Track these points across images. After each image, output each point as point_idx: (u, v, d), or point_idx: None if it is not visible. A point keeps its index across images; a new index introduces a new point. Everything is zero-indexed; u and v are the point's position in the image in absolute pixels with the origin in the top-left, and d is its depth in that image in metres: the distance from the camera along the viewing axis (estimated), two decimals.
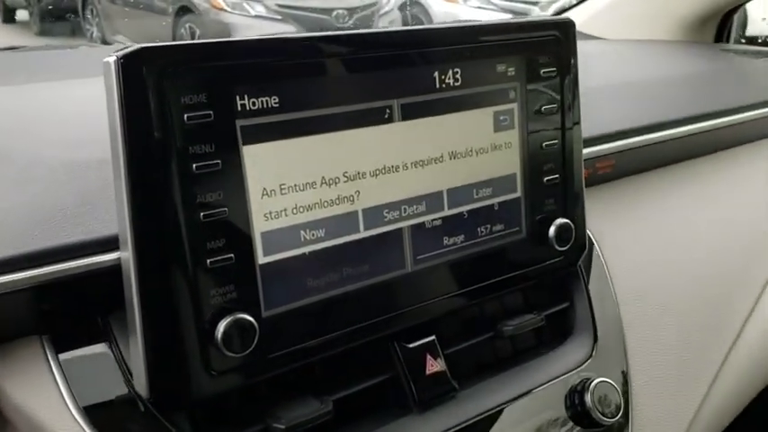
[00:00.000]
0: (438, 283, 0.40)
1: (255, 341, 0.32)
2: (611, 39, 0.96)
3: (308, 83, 0.35)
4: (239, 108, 0.32)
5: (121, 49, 0.29)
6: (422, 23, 4.19)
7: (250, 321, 0.32)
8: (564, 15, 0.93)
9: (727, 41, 1.00)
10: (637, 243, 0.53)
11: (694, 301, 0.54)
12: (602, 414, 0.41)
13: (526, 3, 4.62)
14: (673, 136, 0.60)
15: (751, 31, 1.17)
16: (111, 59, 0.29)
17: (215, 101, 0.31)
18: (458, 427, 0.39)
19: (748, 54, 0.95)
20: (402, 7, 4.43)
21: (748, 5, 1.01)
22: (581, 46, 0.45)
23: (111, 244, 0.33)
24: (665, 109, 0.63)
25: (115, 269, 0.32)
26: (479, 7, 4.48)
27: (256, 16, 3.82)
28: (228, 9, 3.78)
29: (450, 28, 0.41)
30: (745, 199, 0.65)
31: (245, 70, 0.33)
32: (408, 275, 0.38)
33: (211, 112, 0.31)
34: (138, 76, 0.29)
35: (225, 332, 0.32)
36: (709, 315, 0.54)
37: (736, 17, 1.03)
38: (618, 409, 0.42)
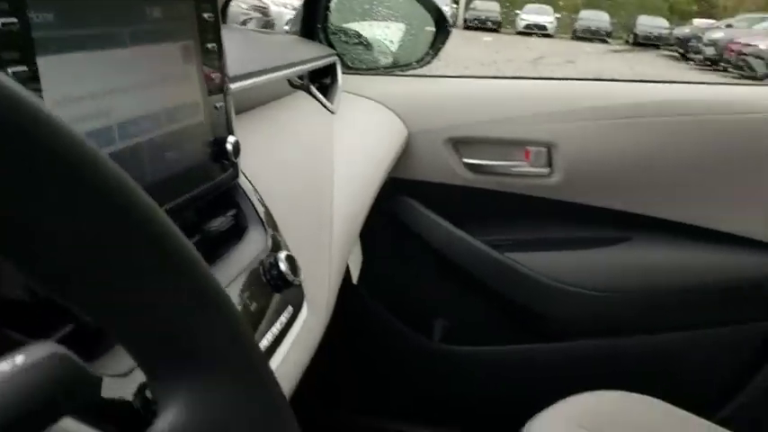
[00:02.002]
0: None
1: None
2: None
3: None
4: (34, 18, 0.34)
5: None
6: None
7: None
8: None
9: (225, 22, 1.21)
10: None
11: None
12: (294, 275, 0.55)
13: None
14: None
15: None
16: None
17: (16, 9, 0.32)
18: None
19: (253, 32, 1.18)
20: None
21: None
22: None
23: None
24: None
25: None
26: None
27: None
28: None
29: None
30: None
31: None
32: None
33: (16, 20, 0.32)
34: None
35: None
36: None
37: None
38: (298, 269, 0.56)
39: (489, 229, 1.20)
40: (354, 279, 1.05)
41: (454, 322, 1.26)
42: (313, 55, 1.04)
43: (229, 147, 0.54)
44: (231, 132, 0.56)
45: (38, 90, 0.34)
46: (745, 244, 1.15)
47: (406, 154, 1.16)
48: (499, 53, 12.30)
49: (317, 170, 0.82)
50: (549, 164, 1.15)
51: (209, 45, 0.53)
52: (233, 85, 0.60)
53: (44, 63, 0.35)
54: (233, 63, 0.73)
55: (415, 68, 1.25)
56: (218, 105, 0.54)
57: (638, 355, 1.18)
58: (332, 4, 1.23)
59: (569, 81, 1.20)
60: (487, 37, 17.64)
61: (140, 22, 0.44)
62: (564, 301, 1.17)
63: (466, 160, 1.17)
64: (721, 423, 1.02)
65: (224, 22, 1.13)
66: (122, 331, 0.23)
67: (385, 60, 1.31)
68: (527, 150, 1.15)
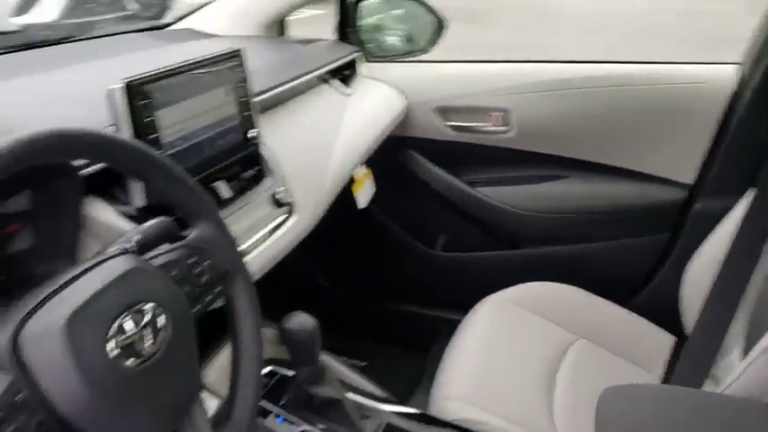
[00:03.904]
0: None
1: None
2: (225, 35, 1.59)
3: None
4: (158, 98, 0.88)
5: None
6: None
7: None
8: (187, 26, 1.54)
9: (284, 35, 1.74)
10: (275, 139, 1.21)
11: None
12: (290, 198, 1.08)
13: None
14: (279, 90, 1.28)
15: None
16: None
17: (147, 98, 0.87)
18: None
19: (297, 42, 1.70)
20: None
21: None
22: (205, 42, 1.09)
23: None
24: (272, 77, 1.31)
25: None
26: None
27: None
28: None
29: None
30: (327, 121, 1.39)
31: None
32: None
33: (150, 100, 0.87)
34: None
35: None
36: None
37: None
38: (293, 196, 1.10)
39: (467, 171, 1.68)
40: (360, 205, 1.58)
41: (448, 237, 1.77)
42: (336, 56, 1.55)
43: (250, 135, 1.07)
44: (253, 127, 1.08)
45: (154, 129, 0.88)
46: (653, 180, 1.55)
47: (407, 119, 1.66)
48: None
49: (323, 136, 1.34)
50: (507, 123, 1.61)
51: (240, 84, 1.06)
52: (258, 98, 1.13)
53: (160, 115, 0.88)
54: (274, 71, 1.25)
55: (418, 55, 1.72)
56: (245, 114, 1.07)
57: (572, 258, 1.63)
58: (360, 10, 1.72)
59: (521, 63, 1.63)
60: None
61: (205, 85, 0.98)
62: (520, 221, 1.64)
63: (449, 123, 1.65)
64: (631, 308, 1.46)
65: (281, 33, 1.66)
66: (176, 202, 0.76)
67: (400, 48, 1.78)
68: (490, 114, 1.61)
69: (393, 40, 1.75)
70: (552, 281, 1.47)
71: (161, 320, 0.62)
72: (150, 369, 0.59)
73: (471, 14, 5.95)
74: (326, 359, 1.15)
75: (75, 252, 0.78)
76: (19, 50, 1.26)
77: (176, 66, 0.89)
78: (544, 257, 1.65)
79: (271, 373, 1.11)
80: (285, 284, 1.26)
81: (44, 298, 0.57)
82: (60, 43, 1.40)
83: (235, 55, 1.02)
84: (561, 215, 1.61)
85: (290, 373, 1.09)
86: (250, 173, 1.06)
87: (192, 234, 0.74)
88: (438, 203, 1.72)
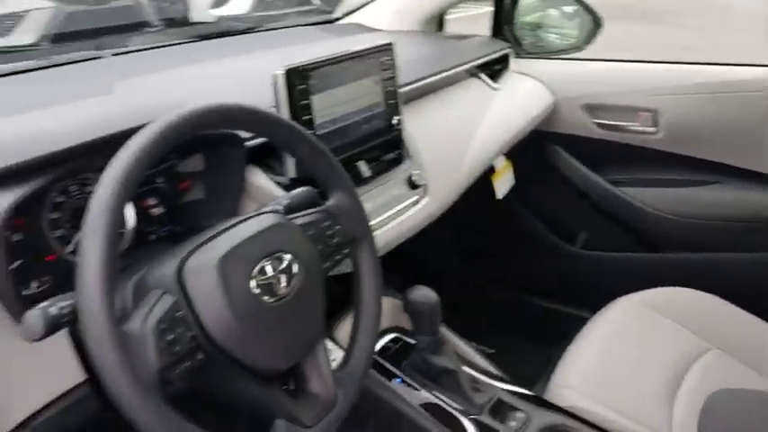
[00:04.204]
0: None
1: None
2: (387, 30, 1.70)
3: None
4: (315, 83, 1.02)
5: None
6: None
7: None
8: (355, 21, 1.69)
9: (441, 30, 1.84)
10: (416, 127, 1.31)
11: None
12: (423, 181, 1.18)
13: None
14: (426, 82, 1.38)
15: None
16: None
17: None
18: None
19: (453, 37, 1.79)
20: None
21: None
22: (367, 36, 1.20)
23: None
24: (422, 69, 1.41)
25: None
26: None
27: None
28: None
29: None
30: (460, 111, 1.48)
31: None
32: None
33: (306, 85, 1.01)
34: None
35: None
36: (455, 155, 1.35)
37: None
38: (427, 179, 1.19)
39: (610, 169, 1.68)
40: (498, 195, 1.64)
41: (588, 235, 1.78)
42: (486, 51, 1.62)
43: (394, 121, 1.18)
44: (397, 114, 1.19)
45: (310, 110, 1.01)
46: None
47: (553, 114, 1.69)
48: None
49: (464, 126, 1.42)
50: (656, 124, 1.59)
51: (388, 75, 1.17)
52: (404, 89, 1.23)
53: (315, 99, 1.01)
54: (425, 64, 1.36)
55: (572, 53, 1.74)
56: (390, 102, 1.18)
57: (713, 267, 1.57)
58: (518, 7, 1.77)
59: (674, 64, 1.59)
60: None
61: (356, 74, 1.10)
62: (661, 224, 1.61)
63: (596, 120, 1.66)
64: None
65: (440, 29, 1.76)
66: (318, 174, 0.87)
67: (556, 45, 1.81)
68: (639, 114, 1.60)
69: (549, 37, 1.79)
70: (690, 288, 1.43)
71: (295, 269, 0.74)
72: (283, 307, 0.72)
73: (634, 12, 5.66)
74: (446, 332, 1.23)
75: (236, 211, 0.94)
76: (211, 38, 1.47)
77: (331, 56, 1.02)
78: (683, 263, 1.61)
79: (395, 340, 1.22)
80: (417, 262, 1.36)
81: (204, 240, 0.71)
82: (244, 33, 1.60)
83: (385, 48, 1.13)
84: (706, 221, 1.56)
85: (412, 341, 1.19)
86: (390, 156, 1.17)
87: (329, 202, 0.86)
88: (579, 200, 1.73)
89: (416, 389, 1.11)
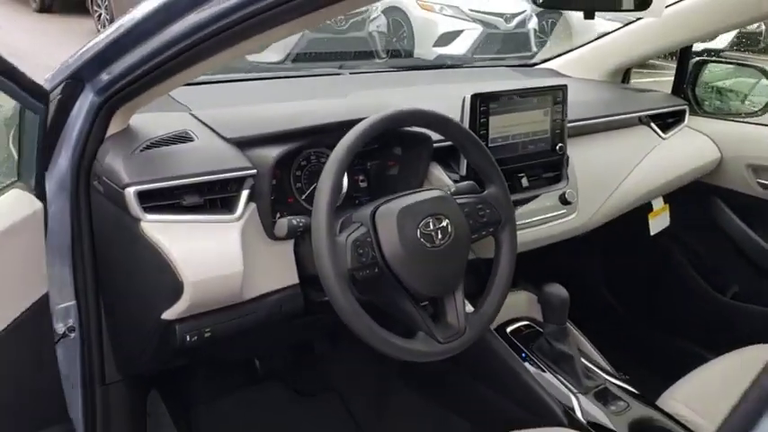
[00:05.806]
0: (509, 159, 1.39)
1: None
2: (575, 77, 1.98)
3: None
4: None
5: None
6: (402, 27, 5.20)
7: None
8: (549, 67, 1.98)
9: (627, 82, 2.05)
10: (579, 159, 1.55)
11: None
12: (572, 200, 1.44)
13: (493, 15, 5.67)
14: (595, 121, 1.62)
15: None
16: None
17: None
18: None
19: (633, 89, 1.99)
20: (385, 12, 5.22)
21: None
22: (554, 80, 1.48)
23: None
24: (594, 111, 1.65)
25: None
26: (453, 16, 5.50)
27: None
28: None
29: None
30: (626, 153, 1.69)
31: None
32: None
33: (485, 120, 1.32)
34: None
35: None
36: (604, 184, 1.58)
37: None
38: (576, 198, 1.44)
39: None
40: (651, 231, 1.80)
41: (740, 287, 1.87)
42: (658, 105, 1.81)
43: (558, 147, 1.44)
44: (562, 142, 1.45)
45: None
46: None
47: (718, 170, 1.82)
48: None
49: (622, 163, 1.64)
50: None
51: (557, 110, 1.43)
52: (571, 124, 1.49)
53: (492, 120, 1.32)
54: (596, 107, 1.61)
55: (748, 117, 1.87)
56: (556, 131, 1.44)
57: None
58: (704, 71, 1.94)
59: None
60: None
61: (530, 106, 1.39)
62: None
63: (760, 180, 1.77)
64: None
65: (625, 81, 1.99)
66: (480, 168, 1.16)
67: (735, 109, 1.95)
68: None
69: (729, 101, 1.93)
70: None
71: (449, 229, 1.05)
72: (436, 254, 1.03)
73: None
74: (571, 328, 1.45)
75: None
76: (426, 69, 1.87)
77: (512, 89, 1.33)
78: None
79: (527, 326, 1.47)
80: (562, 273, 1.58)
81: (393, 197, 1.05)
82: (453, 67, 1.98)
83: (559, 88, 1.41)
84: None
85: (541, 330, 1.43)
86: (549, 174, 1.44)
87: (485, 192, 1.16)
88: (734, 253, 1.84)
89: (536, 364, 1.35)
